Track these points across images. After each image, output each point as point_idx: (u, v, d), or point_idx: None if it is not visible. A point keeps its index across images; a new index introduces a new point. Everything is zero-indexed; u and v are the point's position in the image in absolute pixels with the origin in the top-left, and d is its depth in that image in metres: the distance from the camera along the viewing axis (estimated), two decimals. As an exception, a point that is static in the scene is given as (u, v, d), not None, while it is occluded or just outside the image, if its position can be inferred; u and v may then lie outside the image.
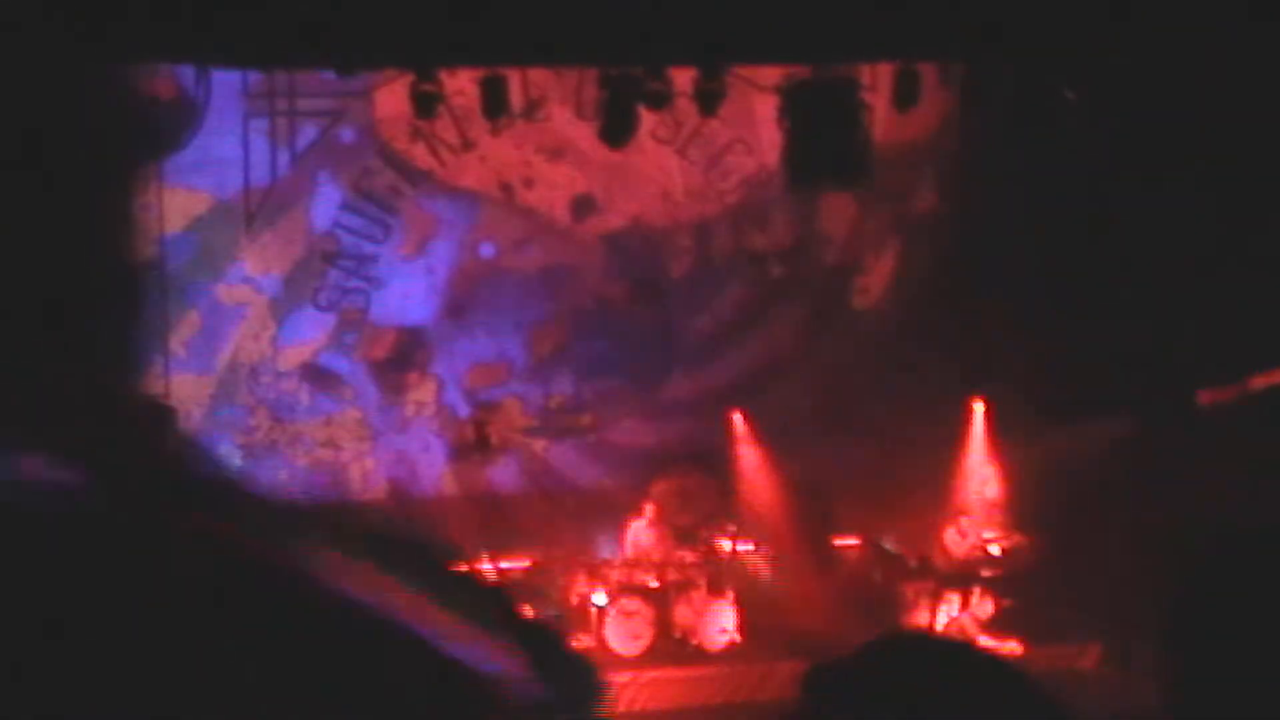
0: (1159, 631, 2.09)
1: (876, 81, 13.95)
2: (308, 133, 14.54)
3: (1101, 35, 11.69)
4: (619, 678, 13.35)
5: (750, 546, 14.63)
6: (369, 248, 14.90)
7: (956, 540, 14.53)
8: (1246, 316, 12.03)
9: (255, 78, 14.09)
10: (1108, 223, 13.41)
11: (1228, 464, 11.62)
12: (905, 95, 13.80)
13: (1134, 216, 13.02)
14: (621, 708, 13.30)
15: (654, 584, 14.15)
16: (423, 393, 15.21)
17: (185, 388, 14.21)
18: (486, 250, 15.19)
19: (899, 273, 15.76)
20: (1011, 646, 12.99)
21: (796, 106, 13.66)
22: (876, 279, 15.82)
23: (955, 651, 1.90)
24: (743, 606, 14.08)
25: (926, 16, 11.66)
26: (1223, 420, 12.34)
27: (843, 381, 15.35)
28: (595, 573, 14.15)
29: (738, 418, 15.30)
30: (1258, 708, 1.99)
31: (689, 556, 14.47)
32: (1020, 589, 13.65)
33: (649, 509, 14.72)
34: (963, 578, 14.02)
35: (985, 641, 13.03)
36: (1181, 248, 12.45)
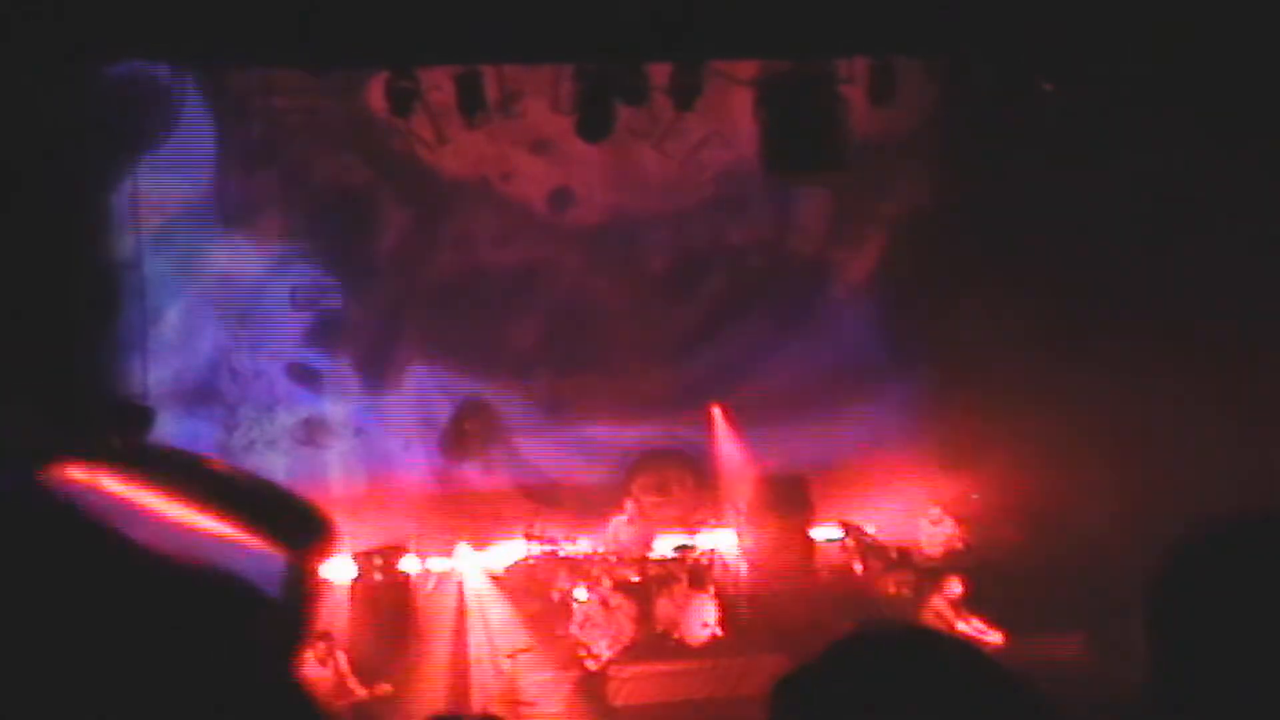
0: (1142, 619, 2.10)
1: (854, 75, 13.96)
2: (284, 130, 14.50)
3: (1079, 28, 11.72)
4: (604, 674, 13.38)
5: (731, 540, 14.64)
6: (346, 244, 14.88)
7: (932, 530, 14.57)
8: (1234, 303, 12.05)
9: (231, 76, 14.06)
10: (1091, 214, 13.44)
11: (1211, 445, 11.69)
12: (881, 89, 13.82)
13: (1116, 206, 13.05)
14: (604, 703, 13.32)
15: (635, 579, 14.16)
16: (402, 389, 15.19)
17: (164, 386, 14.17)
18: (464, 245, 15.18)
19: (880, 266, 15.78)
20: (994, 638, 13.01)
21: (773, 100, 13.68)
22: (857, 272, 15.85)
23: (920, 642, 1.90)
24: (724, 600, 14.11)
25: (902, 11, 11.68)
26: None
27: (821, 374, 15.36)
28: (577, 568, 14.16)
29: (717, 411, 15.31)
30: (1239, 696, 2.01)
31: (669, 551, 14.50)
32: (1000, 578, 13.68)
33: (630, 504, 14.73)
34: (942, 567, 14.05)
35: (965, 629, 13.08)
36: (1164, 233, 12.49)
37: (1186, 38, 11.22)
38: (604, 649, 13.50)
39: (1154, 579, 2.10)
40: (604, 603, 13.72)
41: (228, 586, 0.79)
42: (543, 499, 15.00)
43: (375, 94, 13.89)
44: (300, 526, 0.83)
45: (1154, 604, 2.09)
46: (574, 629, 13.59)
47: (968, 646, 1.92)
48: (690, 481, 15.30)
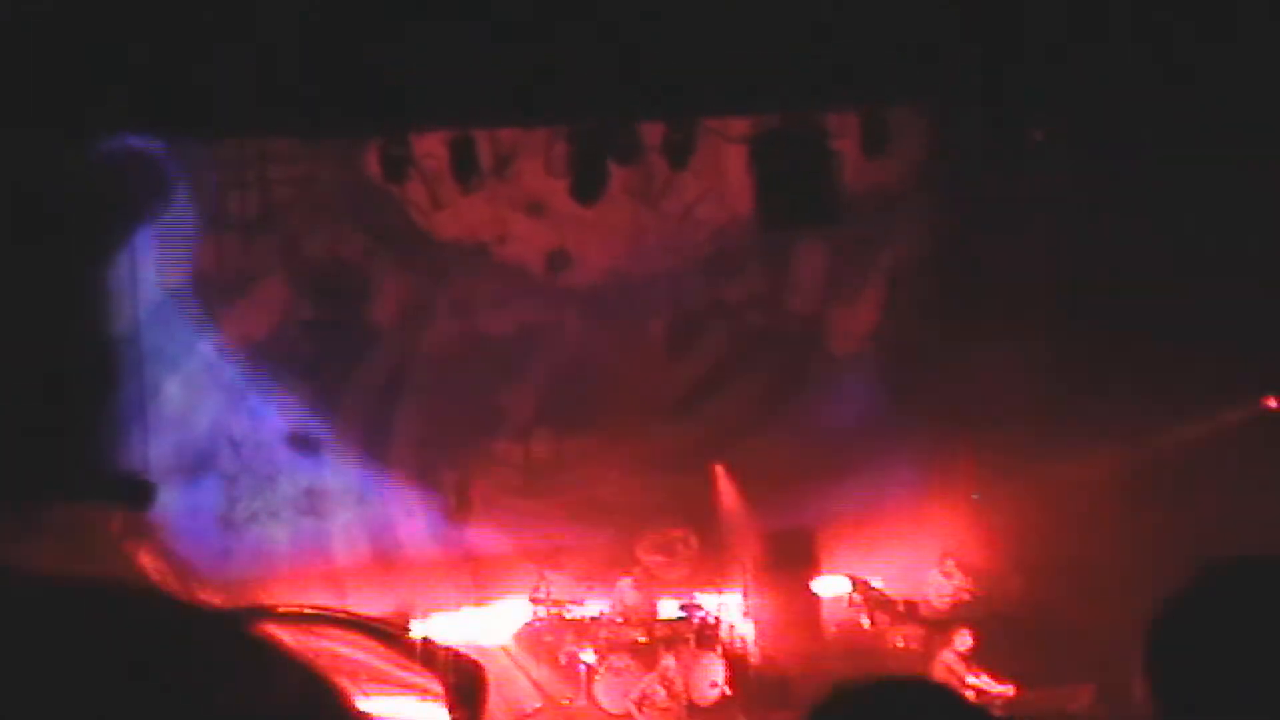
0: (1142, 661, 2.09)
1: (845, 129, 14.00)
2: (280, 200, 14.51)
3: (1066, 78, 11.78)
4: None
5: (738, 598, 14.56)
6: (345, 312, 14.87)
7: (941, 582, 14.50)
8: (1240, 345, 12.03)
9: (226, 147, 14.10)
10: (1084, 258, 13.46)
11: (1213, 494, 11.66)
12: (873, 141, 13.87)
13: (1109, 250, 13.07)
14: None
15: (642, 640, 14.07)
16: (404, 456, 15.13)
17: (165, 459, 14.13)
18: (463, 309, 15.18)
19: (880, 317, 15.77)
20: (1004, 690, 12.94)
21: (765, 156, 13.73)
22: (857, 324, 15.84)
23: (894, 687, 1.90)
24: (732, 659, 14.02)
25: (889, 64, 11.74)
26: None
27: (825, 428, 15.33)
28: (583, 631, 14.08)
29: (720, 469, 15.26)
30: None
31: (676, 612, 14.41)
32: (1010, 629, 13.61)
33: (635, 566, 14.66)
34: (951, 619, 13.97)
35: (976, 683, 12.99)
36: (1157, 278, 12.48)
37: (1178, 81, 11.27)
38: (612, 711, 13.40)
39: (1154, 621, 2.09)
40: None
41: None
42: (547, 562, 14.92)
43: (372, 161, 13.93)
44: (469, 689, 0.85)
45: (1154, 646, 2.08)
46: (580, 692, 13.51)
47: (943, 689, 1.91)
48: (694, 541, 15.23)
